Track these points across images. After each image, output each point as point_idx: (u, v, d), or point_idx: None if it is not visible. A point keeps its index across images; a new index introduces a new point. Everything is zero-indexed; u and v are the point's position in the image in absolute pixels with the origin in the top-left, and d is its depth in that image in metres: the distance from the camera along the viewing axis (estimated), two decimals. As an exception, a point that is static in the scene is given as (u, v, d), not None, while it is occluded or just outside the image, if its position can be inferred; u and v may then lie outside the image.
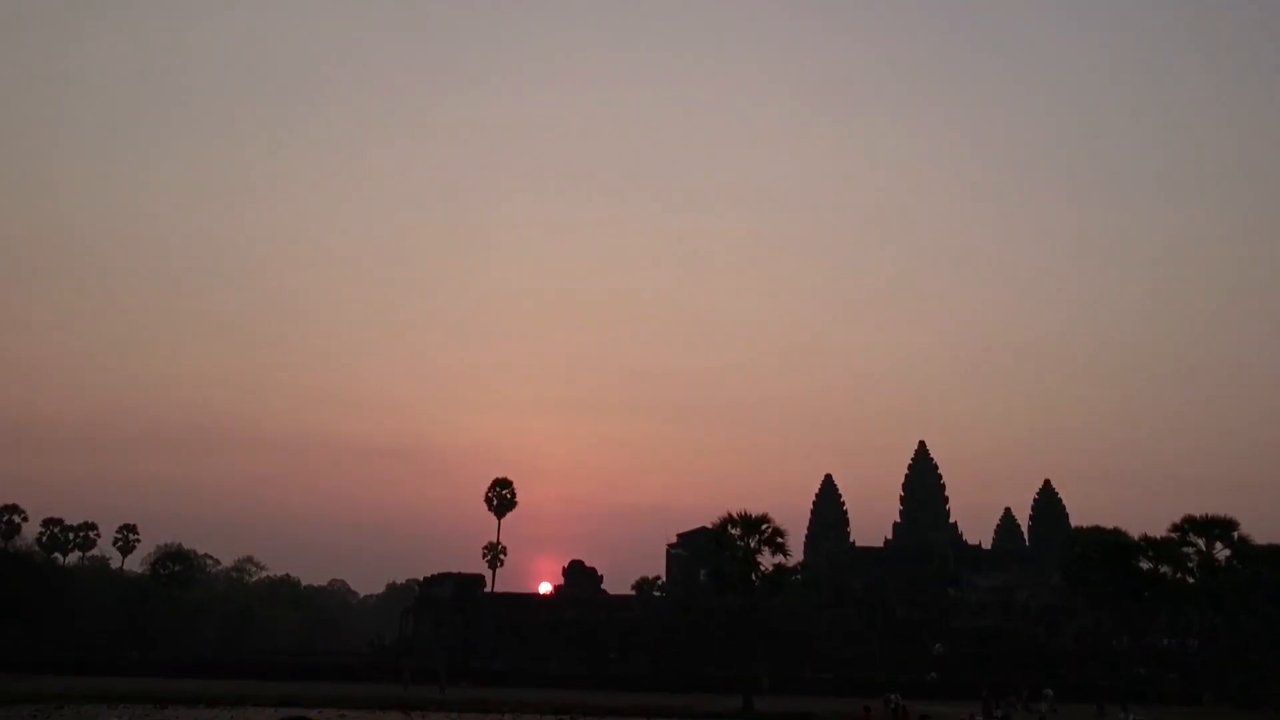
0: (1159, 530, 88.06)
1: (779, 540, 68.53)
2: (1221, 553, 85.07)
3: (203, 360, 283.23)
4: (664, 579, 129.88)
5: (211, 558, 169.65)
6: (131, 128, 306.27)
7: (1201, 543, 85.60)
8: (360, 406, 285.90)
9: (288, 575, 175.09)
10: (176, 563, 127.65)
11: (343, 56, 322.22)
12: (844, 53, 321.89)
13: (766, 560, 69.14)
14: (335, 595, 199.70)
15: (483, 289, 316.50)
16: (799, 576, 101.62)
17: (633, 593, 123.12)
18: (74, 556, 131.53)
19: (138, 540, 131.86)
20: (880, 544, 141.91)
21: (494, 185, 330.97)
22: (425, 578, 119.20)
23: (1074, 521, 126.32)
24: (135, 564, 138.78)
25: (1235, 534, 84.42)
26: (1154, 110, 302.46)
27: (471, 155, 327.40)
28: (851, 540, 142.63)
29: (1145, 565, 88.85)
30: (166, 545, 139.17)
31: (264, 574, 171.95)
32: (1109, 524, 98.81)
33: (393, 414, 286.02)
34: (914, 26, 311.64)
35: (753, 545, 68.54)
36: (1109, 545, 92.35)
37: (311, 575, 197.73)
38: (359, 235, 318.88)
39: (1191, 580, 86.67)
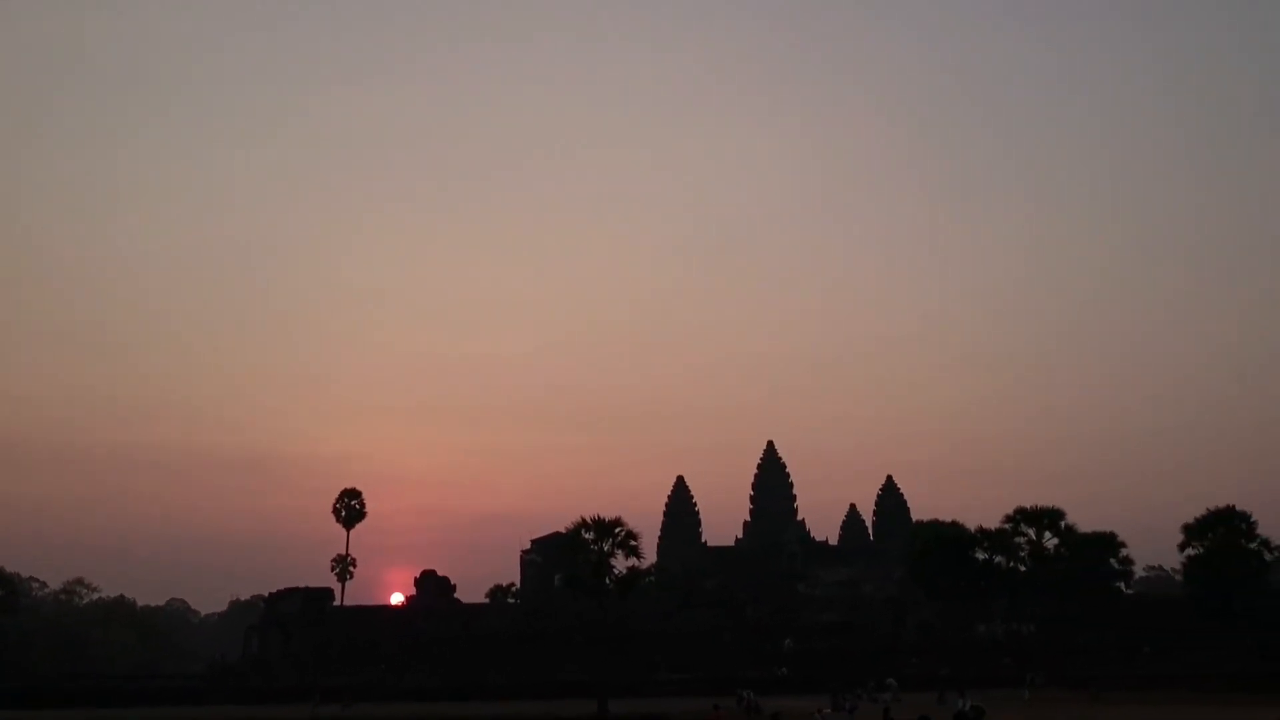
0: (994, 522, 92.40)
1: (632, 543, 69.05)
2: (1050, 541, 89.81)
3: (26, 371, 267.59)
4: (518, 586, 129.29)
5: (37, 580, 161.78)
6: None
7: (1032, 532, 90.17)
8: (200, 417, 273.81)
9: (123, 596, 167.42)
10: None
11: (198, 54, 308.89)
12: (691, 59, 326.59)
13: (620, 563, 69.62)
14: (175, 615, 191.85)
15: (328, 294, 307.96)
16: (653, 578, 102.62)
17: (487, 600, 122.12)
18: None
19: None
20: (732, 543, 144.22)
21: (342, 187, 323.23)
22: (271, 593, 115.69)
23: (915, 516, 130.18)
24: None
25: (1063, 523, 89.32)
26: (1004, 112, 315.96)
27: (318, 157, 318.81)
28: (704, 541, 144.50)
29: (981, 556, 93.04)
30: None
31: (97, 596, 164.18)
32: (948, 517, 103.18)
33: (234, 425, 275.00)
34: (757, 32, 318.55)
35: (606, 549, 68.88)
36: (946, 538, 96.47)
37: (148, 595, 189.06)
38: (198, 237, 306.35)
39: (1023, 569, 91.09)
